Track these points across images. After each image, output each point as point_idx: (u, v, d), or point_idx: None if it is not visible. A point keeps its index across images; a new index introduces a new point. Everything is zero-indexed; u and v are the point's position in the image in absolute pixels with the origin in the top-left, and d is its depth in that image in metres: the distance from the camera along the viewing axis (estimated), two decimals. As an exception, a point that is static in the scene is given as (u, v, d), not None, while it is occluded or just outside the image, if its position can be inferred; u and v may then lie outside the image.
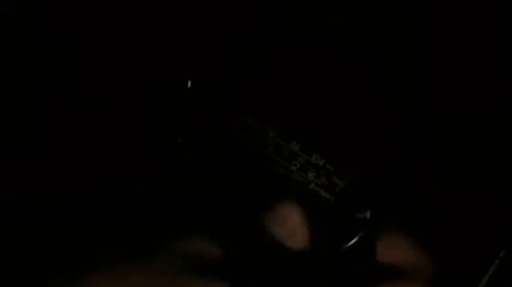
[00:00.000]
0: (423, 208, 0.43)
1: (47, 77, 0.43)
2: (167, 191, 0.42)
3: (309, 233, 0.34)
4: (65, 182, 0.42)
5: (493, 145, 0.44)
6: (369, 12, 0.45)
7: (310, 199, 0.40)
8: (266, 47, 0.44)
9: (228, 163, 0.42)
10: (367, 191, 0.41)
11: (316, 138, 0.42)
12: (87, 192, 0.42)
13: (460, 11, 0.45)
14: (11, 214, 0.40)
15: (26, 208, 0.40)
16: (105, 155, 0.43)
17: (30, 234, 0.39)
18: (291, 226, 0.34)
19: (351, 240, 0.36)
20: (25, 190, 0.41)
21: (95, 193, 0.42)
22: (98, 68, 0.43)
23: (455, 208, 0.43)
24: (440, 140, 0.44)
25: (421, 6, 0.45)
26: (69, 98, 0.43)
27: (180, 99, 0.42)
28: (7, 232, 0.38)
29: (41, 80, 0.43)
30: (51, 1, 0.43)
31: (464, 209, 0.43)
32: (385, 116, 0.44)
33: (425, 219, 0.42)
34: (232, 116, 0.41)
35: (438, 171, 0.44)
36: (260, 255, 0.34)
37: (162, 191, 0.42)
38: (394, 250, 0.36)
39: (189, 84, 0.42)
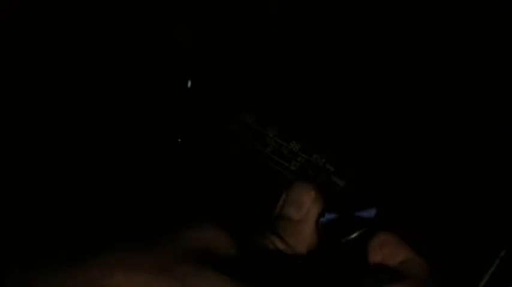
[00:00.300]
0: (423, 207, 0.43)
1: (47, 77, 0.43)
2: (167, 191, 0.42)
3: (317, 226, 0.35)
4: (67, 182, 0.42)
5: (493, 145, 0.44)
6: (369, 12, 0.45)
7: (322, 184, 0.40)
8: (266, 47, 0.44)
9: (228, 163, 0.42)
10: (367, 190, 0.41)
11: (316, 138, 0.42)
12: (88, 192, 0.42)
13: (460, 11, 0.45)
14: (11, 213, 0.40)
15: (26, 208, 0.40)
16: (105, 155, 0.43)
17: (30, 233, 0.39)
18: (304, 206, 0.35)
19: (350, 236, 0.36)
20: (25, 189, 0.41)
21: (96, 193, 0.42)
22: (98, 68, 0.43)
23: (455, 207, 0.43)
24: (441, 140, 0.44)
25: (421, 6, 0.45)
26: (69, 98, 0.43)
27: (180, 99, 0.42)
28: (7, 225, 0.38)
29: (41, 80, 0.43)
30: (51, 1, 0.43)
31: (464, 209, 0.43)
32: (385, 116, 0.44)
33: (425, 219, 0.42)
34: (231, 116, 0.41)
35: (438, 171, 0.44)
36: (266, 254, 0.34)
37: (162, 191, 0.42)
38: (393, 250, 0.36)
39: (189, 84, 0.42)
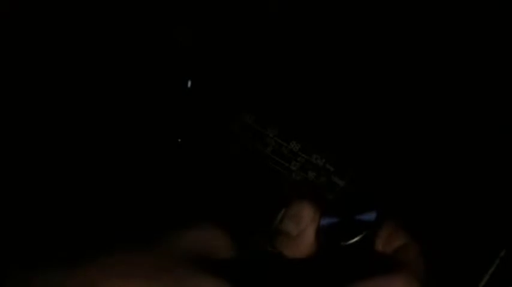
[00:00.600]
0: (423, 207, 0.43)
1: (47, 77, 0.43)
2: (167, 191, 0.42)
3: (317, 231, 0.35)
4: (67, 182, 0.42)
5: (493, 144, 0.44)
6: (369, 12, 0.45)
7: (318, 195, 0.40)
8: (266, 46, 0.44)
9: (228, 163, 0.42)
10: (367, 191, 0.41)
11: (316, 138, 0.42)
12: (88, 191, 0.42)
13: (460, 11, 0.45)
14: (11, 213, 0.40)
15: (26, 208, 0.40)
16: (105, 155, 0.43)
17: (30, 234, 0.39)
18: (303, 223, 0.35)
19: (351, 240, 0.36)
20: (25, 189, 0.41)
21: (96, 193, 0.42)
22: (98, 68, 0.43)
23: (455, 207, 0.43)
24: (441, 140, 0.44)
25: (421, 6, 0.45)
26: (69, 98, 0.43)
27: (180, 99, 0.42)
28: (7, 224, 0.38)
29: (41, 80, 0.43)
30: (51, 1, 0.43)
31: (464, 209, 0.43)
32: (385, 116, 0.44)
33: (426, 219, 0.42)
34: (231, 116, 0.41)
35: (438, 171, 0.44)
36: (266, 255, 0.34)
37: (162, 191, 0.42)
38: (393, 250, 0.36)
39: (189, 84, 0.42)
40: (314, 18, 0.45)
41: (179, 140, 0.43)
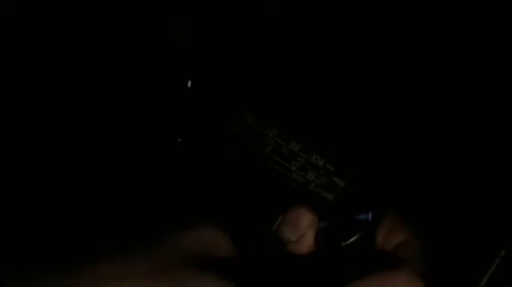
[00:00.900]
0: (423, 207, 0.43)
1: (47, 77, 0.43)
2: (167, 192, 0.42)
3: (315, 235, 0.35)
4: (67, 182, 0.42)
5: (493, 144, 0.44)
6: (370, 12, 0.45)
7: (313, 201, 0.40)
8: (266, 46, 0.44)
9: (228, 163, 0.42)
10: (367, 191, 0.41)
11: (316, 138, 0.42)
12: (87, 192, 0.42)
13: (460, 11, 0.45)
14: (11, 215, 0.40)
15: (26, 208, 0.40)
16: (104, 156, 0.43)
17: (30, 236, 0.39)
18: (301, 229, 0.35)
19: (350, 239, 0.36)
20: (25, 189, 0.41)
21: (96, 193, 0.42)
22: (98, 67, 0.43)
23: (455, 207, 0.43)
24: (441, 140, 0.44)
25: (420, 6, 0.45)
26: (69, 98, 0.43)
27: (180, 99, 0.42)
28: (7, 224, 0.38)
29: (41, 80, 0.43)
30: (51, 1, 0.43)
31: (464, 209, 0.43)
32: (385, 117, 0.44)
33: (426, 219, 0.42)
34: (231, 116, 0.41)
35: (438, 171, 0.44)
36: (266, 255, 0.34)
37: (162, 191, 0.42)
38: (393, 250, 0.36)
39: (189, 84, 0.42)
40: (314, 18, 0.45)
41: (179, 140, 0.43)
